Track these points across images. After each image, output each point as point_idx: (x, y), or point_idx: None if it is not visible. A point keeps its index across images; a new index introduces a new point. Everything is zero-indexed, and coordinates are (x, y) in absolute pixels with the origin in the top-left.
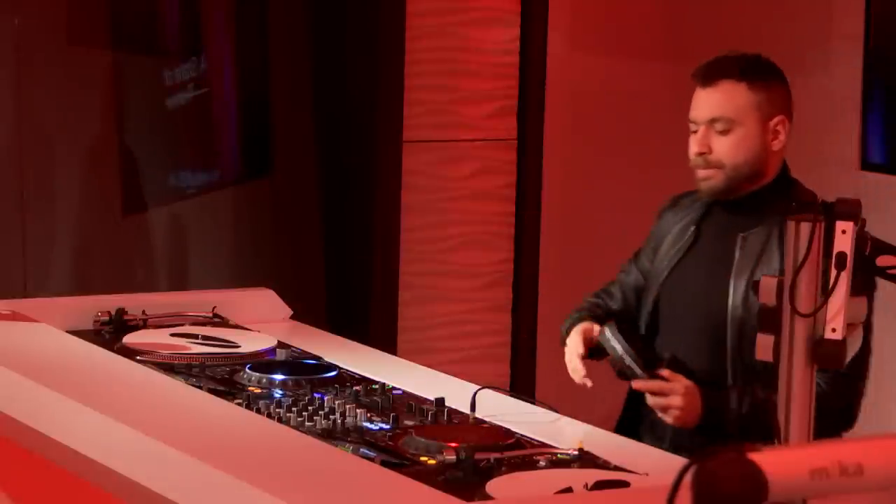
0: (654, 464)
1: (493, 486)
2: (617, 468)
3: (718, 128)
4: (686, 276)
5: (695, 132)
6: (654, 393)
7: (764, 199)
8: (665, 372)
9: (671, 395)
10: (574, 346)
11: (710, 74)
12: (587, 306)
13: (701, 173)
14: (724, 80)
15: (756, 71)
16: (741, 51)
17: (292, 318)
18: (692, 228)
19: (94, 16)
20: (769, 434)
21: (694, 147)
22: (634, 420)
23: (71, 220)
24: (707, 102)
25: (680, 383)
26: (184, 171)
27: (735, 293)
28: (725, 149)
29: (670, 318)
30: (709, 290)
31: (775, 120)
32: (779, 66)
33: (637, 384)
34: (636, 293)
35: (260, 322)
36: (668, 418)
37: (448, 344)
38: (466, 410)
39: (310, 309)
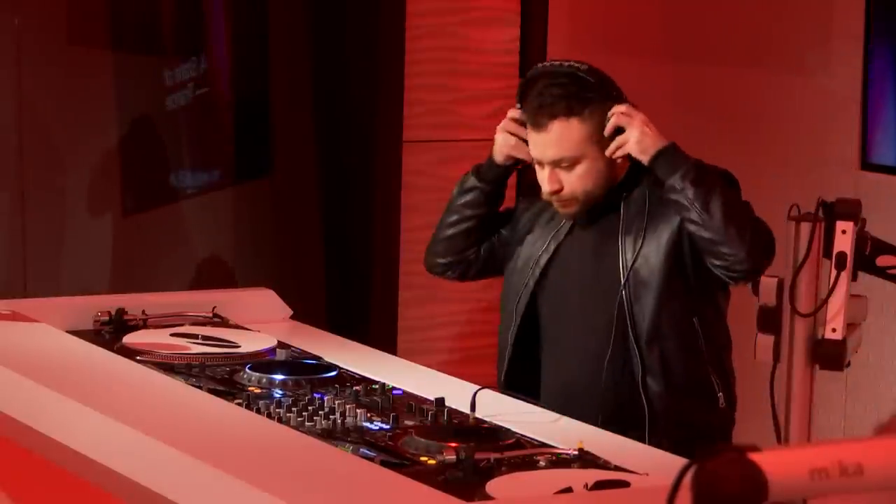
0: (654, 464)
1: (493, 486)
2: (617, 468)
3: (564, 165)
4: (574, 247)
5: (542, 167)
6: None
7: (635, 179)
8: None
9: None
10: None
11: (539, 118)
12: None
13: (557, 205)
14: (554, 122)
15: (582, 100)
16: (557, 66)
17: (292, 318)
18: (565, 224)
19: (94, 16)
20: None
21: (545, 186)
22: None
23: (71, 220)
24: (544, 146)
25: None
26: (184, 171)
27: (624, 250)
28: (575, 182)
29: (556, 313)
30: (600, 252)
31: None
32: (596, 68)
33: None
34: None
35: (260, 322)
36: (632, 135)
37: (448, 344)
38: (466, 410)
39: (310, 309)
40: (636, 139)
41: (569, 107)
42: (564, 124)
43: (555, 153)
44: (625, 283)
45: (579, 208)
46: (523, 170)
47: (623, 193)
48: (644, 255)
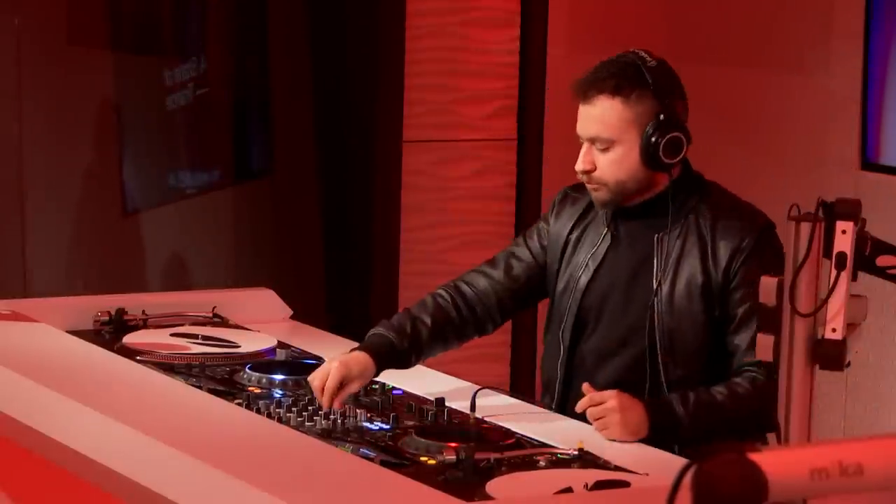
0: (654, 464)
1: (493, 486)
2: (617, 468)
3: (599, 146)
4: (607, 282)
5: (581, 145)
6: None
7: (675, 197)
8: (585, 386)
9: (606, 406)
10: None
11: (588, 91)
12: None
13: (588, 186)
14: (600, 97)
15: (633, 84)
16: (628, 54)
17: (292, 318)
18: (605, 232)
19: (94, 16)
20: (720, 434)
21: (578, 164)
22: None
23: (71, 220)
24: (586, 120)
25: (607, 392)
26: (184, 171)
27: (659, 297)
28: (606, 167)
29: (594, 327)
30: (631, 299)
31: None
32: (668, 66)
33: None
34: (527, 271)
35: (260, 322)
36: (611, 432)
37: None
38: (466, 410)
39: (310, 309)
40: (617, 434)
41: (617, 86)
42: (608, 102)
43: (593, 129)
44: (656, 312)
45: (609, 197)
46: (524, 174)
47: (662, 209)
48: (678, 286)
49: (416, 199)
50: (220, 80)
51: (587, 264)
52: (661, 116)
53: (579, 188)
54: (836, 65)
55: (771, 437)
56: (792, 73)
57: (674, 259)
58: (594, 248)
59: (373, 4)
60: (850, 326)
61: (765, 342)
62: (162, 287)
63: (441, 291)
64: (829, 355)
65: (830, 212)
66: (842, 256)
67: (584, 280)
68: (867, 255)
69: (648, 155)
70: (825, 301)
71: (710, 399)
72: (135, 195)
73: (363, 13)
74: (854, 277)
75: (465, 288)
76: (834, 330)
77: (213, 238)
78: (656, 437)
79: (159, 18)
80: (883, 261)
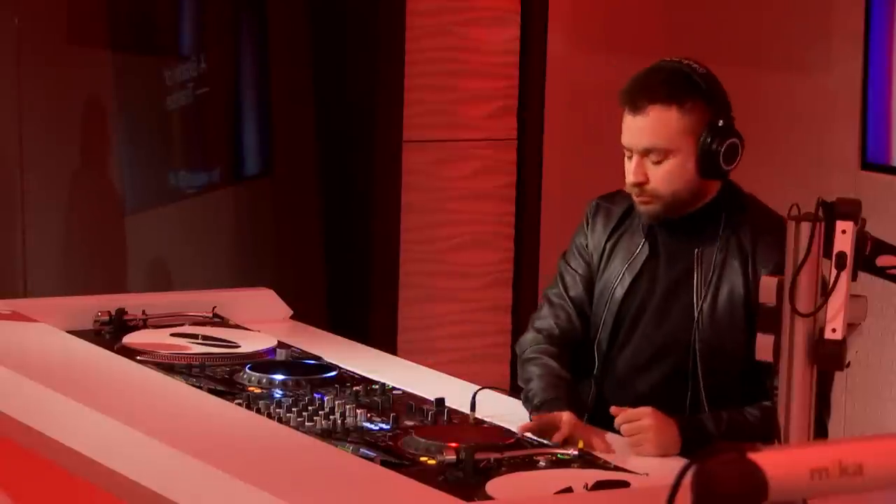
0: (654, 464)
1: (493, 486)
2: (617, 468)
3: (653, 158)
4: (643, 294)
5: (629, 157)
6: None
7: (714, 211)
8: (613, 409)
9: (641, 423)
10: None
11: (639, 101)
12: (557, 384)
13: (638, 199)
14: (654, 107)
15: (686, 91)
16: (673, 61)
17: (292, 318)
18: (642, 243)
19: (94, 16)
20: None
21: (629, 177)
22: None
23: (71, 220)
24: (638, 131)
25: (642, 410)
26: (184, 171)
27: (701, 312)
28: (661, 178)
29: (628, 338)
30: (669, 310)
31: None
32: (713, 74)
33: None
34: (580, 309)
35: (260, 322)
36: (644, 449)
37: (448, 344)
38: (466, 410)
39: (310, 309)
40: (649, 452)
41: (671, 93)
42: (663, 111)
43: (648, 140)
44: (697, 327)
45: (661, 209)
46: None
47: (703, 223)
48: (719, 304)
49: (416, 199)
50: (220, 80)
51: (623, 275)
52: (721, 123)
53: (610, 198)
54: (836, 65)
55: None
56: (792, 73)
57: (715, 274)
58: (631, 259)
59: (373, 5)
60: (850, 326)
61: (765, 342)
62: (162, 287)
63: (541, 349)
64: (829, 355)
65: (830, 212)
66: (842, 256)
67: (619, 291)
68: (867, 255)
69: (707, 163)
70: (825, 301)
71: (743, 420)
72: (134, 195)
73: (363, 13)
74: (854, 277)
75: (553, 332)
76: (834, 330)
77: (213, 238)
78: (686, 455)
79: (159, 18)
80: (883, 261)
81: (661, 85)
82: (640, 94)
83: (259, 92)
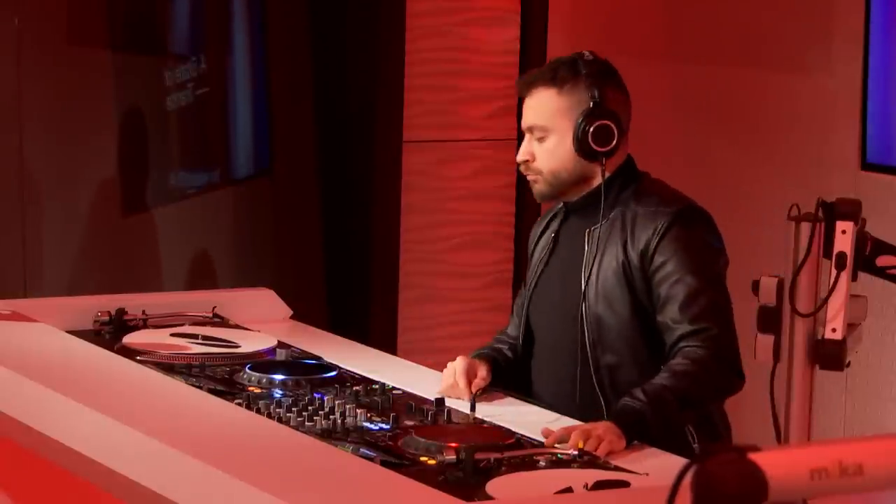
0: (654, 464)
1: (493, 486)
2: (617, 468)
3: (536, 135)
4: (547, 286)
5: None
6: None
7: (608, 193)
8: (543, 431)
9: (593, 430)
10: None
11: (526, 82)
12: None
13: (528, 178)
14: (537, 89)
15: (568, 75)
16: (576, 53)
17: (292, 318)
18: (551, 237)
19: (94, 16)
20: (687, 408)
21: (518, 155)
22: None
23: (71, 220)
24: (525, 111)
25: (569, 427)
26: (184, 171)
27: (587, 287)
28: (542, 156)
29: (538, 330)
30: (564, 293)
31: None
32: (609, 63)
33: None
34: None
35: (260, 322)
36: (602, 450)
37: (448, 344)
38: (466, 410)
39: (310, 309)
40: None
41: (552, 77)
42: (544, 92)
43: (530, 119)
44: (585, 302)
45: (546, 188)
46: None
47: (597, 204)
48: (602, 277)
49: (416, 199)
50: (220, 80)
51: (536, 269)
52: (591, 104)
53: (550, 209)
54: (836, 65)
55: (771, 437)
56: (792, 73)
57: (601, 250)
58: (542, 254)
59: (373, 4)
60: (850, 326)
61: (765, 342)
62: (162, 287)
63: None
64: (829, 355)
65: (830, 212)
66: (842, 256)
67: (531, 283)
68: (867, 255)
69: (579, 143)
70: (825, 301)
71: (657, 386)
72: (135, 195)
73: (363, 13)
74: (854, 277)
75: (509, 340)
76: (834, 330)
77: (213, 238)
78: (631, 437)
79: (159, 18)
80: (883, 261)
81: (547, 70)
82: (528, 77)
83: (259, 92)
